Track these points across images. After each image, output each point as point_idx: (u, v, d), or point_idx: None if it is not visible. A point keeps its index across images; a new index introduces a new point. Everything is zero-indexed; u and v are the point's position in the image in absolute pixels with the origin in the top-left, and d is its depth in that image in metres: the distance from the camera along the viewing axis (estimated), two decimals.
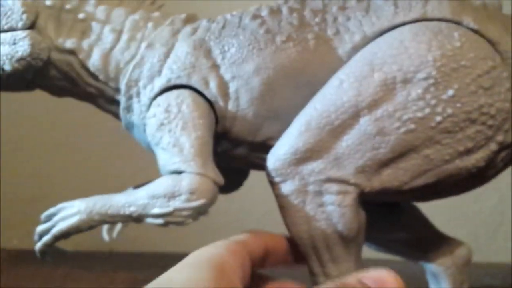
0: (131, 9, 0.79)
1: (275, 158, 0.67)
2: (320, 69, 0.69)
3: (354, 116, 0.64)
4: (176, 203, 0.67)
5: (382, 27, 0.67)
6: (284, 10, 0.73)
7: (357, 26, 0.69)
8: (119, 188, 0.79)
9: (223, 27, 0.75)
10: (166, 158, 0.69)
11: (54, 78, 0.78)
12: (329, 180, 0.64)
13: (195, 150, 0.68)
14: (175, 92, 0.72)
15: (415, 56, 0.64)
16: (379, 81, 0.64)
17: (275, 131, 0.71)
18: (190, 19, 0.78)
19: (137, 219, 0.68)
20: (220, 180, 0.69)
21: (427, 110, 0.63)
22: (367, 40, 0.68)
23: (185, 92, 0.72)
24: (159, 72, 0.74)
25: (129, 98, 0.76)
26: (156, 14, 0.79)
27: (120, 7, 0.79)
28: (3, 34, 0.76)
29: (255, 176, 0.81)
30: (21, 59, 0.75)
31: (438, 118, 0.63)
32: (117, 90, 0.77)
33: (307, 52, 0.70)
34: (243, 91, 0.71)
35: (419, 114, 0.63)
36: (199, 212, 0.66)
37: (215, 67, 0.72)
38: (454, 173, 0.64)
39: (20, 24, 0.76)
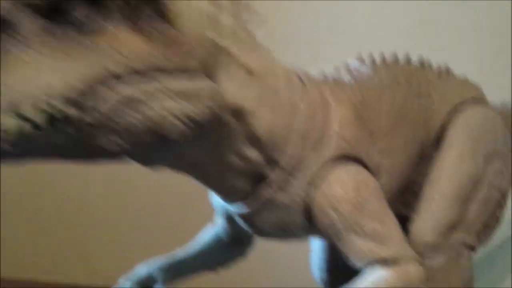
0: (269, 53, 0.65)
1: (426, 231, 0.71)
2: (427, 139, 0.77)
3: (476, 187, 0.74)
4: None
5: (455, 102, 0.80)
6: (400, 80, 0.77)
7: (441, 99, 0.80)
8: None
9: (352, 87, 0.72)
10: (370, 246, 0.64)
11: (194, 146, 0.57)
12: (465, 245, 0.73)
13: (400, 233, 0.66)
14: (351, 167, 0.66)
15: (492, 134, 0.79)
16: (483, 155, 0.76)
17: (396, 202, 0.74)
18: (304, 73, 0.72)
19: None
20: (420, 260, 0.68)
21: (504, 181, 0.78)
22: (450, 111, 0.79)
23: (359, 167, 0.67)
24: (323, 140, 0.65)
25: (289, 171, 0.64)
26: (292, 69, 0.68)
27: (264, 52, 0.63)
28: (171, 80, 0.50)
29: None
30: (195, 119, 0.52)
31: (505, 186, 0.79)
32: (272, 161, 0.63)
33: (428, 121, 0.77)
34: (396, 163, 0.72)
35: (503, 184, 0.78)
36: None
37: (373, 137, 0.70)
38: None
39: (194, 66, 0.52)
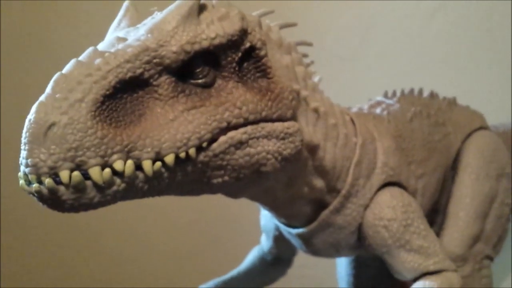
0: (332, 102, 0.74)
1: (455, 244, 0.80)
2: (449, 160, 0.87)
3: (492, 204, 0.84)
4: None
5: (467, 132, 0.90)
6: (421, 114, 0.86)
7: (455, 128, 0.89)
8: None
9: (389, 121, 0.81)
10: (418, 260, 0.73)
11: (274, 180, 0.65)
12: (486, 257, 0.82)
13: (441, 247, 0.75)
14: (396, 190, 0.75)
15: (500, 157, 0.88)
16: (495, 175, 0.86)
17: (430, 221, 0.82)
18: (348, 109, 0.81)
19: None
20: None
21: (510, 198, 0.88)
22: (463, 139, 0.89)
23: (402, 190, 0.76)
24: (374, 169, 0.75)
25: (347, 197, 0.73)
26: (342, 107, 0.77)
27: (330, 102, 0.73)
28: (270, 125, 0.59)
29: None
30: (287, 158, 0.60)
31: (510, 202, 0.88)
32: (332, 189, 0.72)
33: (448, 148, 0.86)
34: (428, 186, 0.82)
35: (509, 200, 0.88)
36: None
37: (410, 164, 0.79)
38: None
39: (289, 113, 0.60)
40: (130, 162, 0.50)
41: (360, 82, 1.35)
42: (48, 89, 0.50)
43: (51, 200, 0.49)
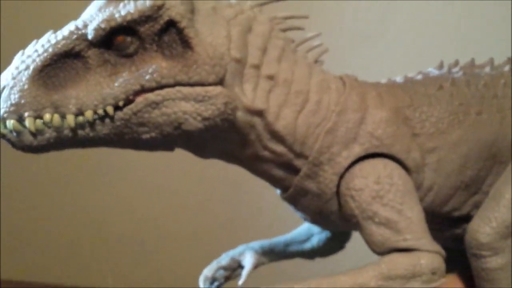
0: (307, 66, 0.74)
1: (484, 232, 0.70)
2: (503, 142, 0.76)
3: None
4: (416, 284, 0.66)
5: None
6: (462, 83, 0.77)
7: None
8: None
9: (404, 90, 0.76)
10: (386, 234, 0.69)
11: (226, 140, 0.71)
12: None
13: (422, 226, 0.69)
14: (379, 162, 0.71)
15: None
16: None
17: (460, 202, 0.76)
18: (356, 80, 0.78)
19: None
20: (444, 254, 0.70)
21: None
22: None
23: (390, 162, 0.72)
24: (355, 138, 0.72)
25: (317, 164, 0.73)
26: (331, 73, 0.76)
27: (301, 64, 0.74)
28: (188, 88, 0.66)
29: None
30: (208, 118, 0.66)
31: None
32: (300, 155, 0.73)
33: (496, 125, 0.76)
34: (444, 162, 0.74)
35: None
36: None
37: (415, 136, 0.74)
38: None
39: (211, 78, 0.66)
40: (56, 115, 0.65)
41: (380, 59, 1.37)
42: (12, 62, 0.68)
43: (6, 140, 0.66)
